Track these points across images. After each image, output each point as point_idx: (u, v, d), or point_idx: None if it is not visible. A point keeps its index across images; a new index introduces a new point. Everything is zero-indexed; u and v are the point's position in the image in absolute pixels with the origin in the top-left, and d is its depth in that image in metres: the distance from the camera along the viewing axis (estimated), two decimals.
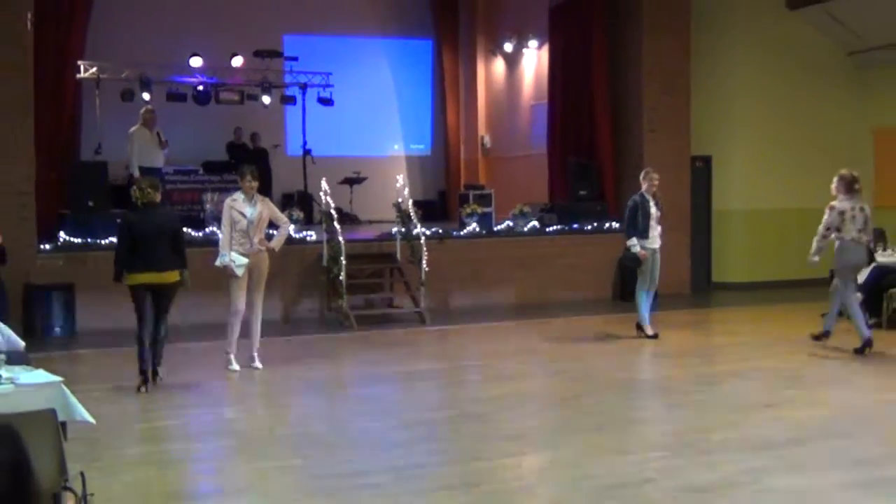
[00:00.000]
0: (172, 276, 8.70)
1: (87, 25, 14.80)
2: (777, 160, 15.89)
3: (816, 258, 10.06)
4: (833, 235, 9.94)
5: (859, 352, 9.81)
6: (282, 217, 9.75)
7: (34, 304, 11.51)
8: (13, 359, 6.06)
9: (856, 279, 10.43)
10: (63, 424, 4.97)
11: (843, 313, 10.18)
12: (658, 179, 10.94)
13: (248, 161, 16.11)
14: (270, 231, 10.02)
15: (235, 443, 6.92)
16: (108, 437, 6.91)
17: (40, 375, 4.98)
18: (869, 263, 10.45)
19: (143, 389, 8.52)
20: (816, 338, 10.34)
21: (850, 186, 9.94)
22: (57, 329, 11.45)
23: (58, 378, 4.94)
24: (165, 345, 8.96)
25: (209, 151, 17.21)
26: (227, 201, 9.43)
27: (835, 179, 10.11)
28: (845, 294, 9.96)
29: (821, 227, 9.99)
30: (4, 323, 6.53)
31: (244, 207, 9.31)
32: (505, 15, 19.25)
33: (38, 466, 4.16)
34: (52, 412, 4.26)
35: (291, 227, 12.96)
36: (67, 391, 4.90)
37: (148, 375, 8.66)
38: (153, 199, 8.69)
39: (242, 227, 9.27)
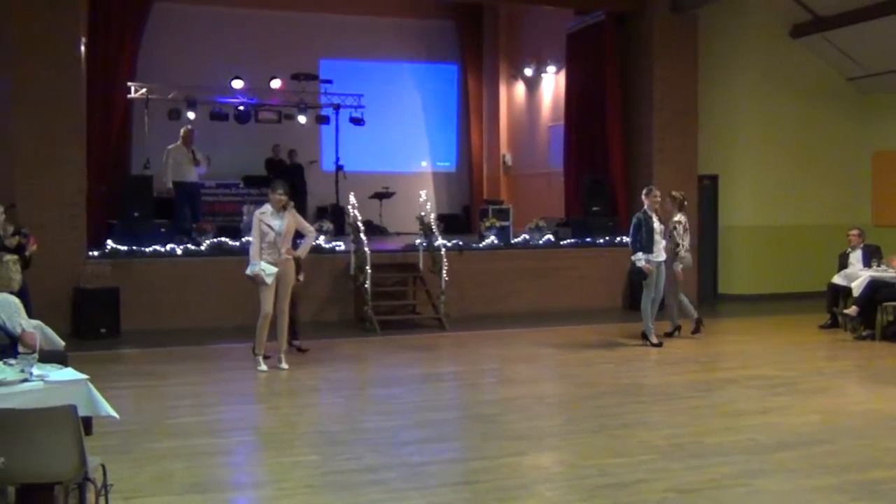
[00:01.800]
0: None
1: (138, 50, 14.99)
2: (780, 180, 15.73)
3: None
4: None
5: (696, 331, 11.30)
6: (308, 227, 9.74)
7: (82, 307, 11.57)
8: (52, 357, 6.10)
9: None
10: (88, 419, 4.97)
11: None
12: (659, 197, 10.88)
13: (284, 176, 16.36)
14: (297, 241, 9.99)
15: (257, 438, 6.91)
16: (141, 432, 6.94)
17: (69, 373, 4.99)
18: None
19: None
20: (669, 334, 11.21)
21: (681, 205, 11.38)
22: (102, 330, 11.50)
23: (84, 376, 4.94)
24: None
25: (249, 166, 17.33)
26: (257, 214, 9.43)
27: (668, 200, 11.24)
28: (678, 291, 11.21)
29: (685, 241, 11.16)
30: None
31: (272, 220, 9.31)
32: (525, 42, 19.23)
33: (59, 459, 4.16)
34: (73, 408, 4.25)
35: (322, 238, 13.13)
36: (93, 388, 4.90)
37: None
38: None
39: (271, 238, 9.28)
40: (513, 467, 6.09)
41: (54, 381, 4.83)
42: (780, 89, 15.61)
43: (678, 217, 11.27)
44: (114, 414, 4.97)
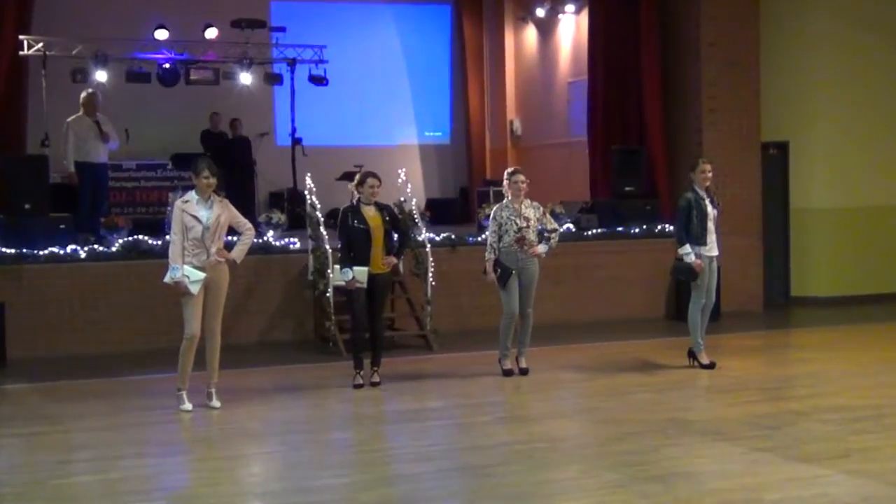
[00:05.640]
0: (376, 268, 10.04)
1: None
2: (867, 148, 15.55)
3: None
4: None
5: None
6: (244, 222, 9.51)
7: None
8: None
9: None
10: None
11: None
12: (711, 171, 10.72)
13: (225, 152, 16.19)
14: (231, 238, 9.77)
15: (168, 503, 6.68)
16: (15, 497, 6.75)
17: None
18: None
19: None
20: (524, 371, 10.65)
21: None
22: None
23: None
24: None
25: (180, 142, 17.20)
26: (178, 203, 9.24)
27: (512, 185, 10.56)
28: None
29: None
30: None
31: (198, 210, 9.11)
32: None
33: None
34: None
35: (270, 233, 12.96)
36: None
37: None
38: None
39: (197, 234, 9.08)
40: None
41: None
42: (867, 32, 15.42)
43: (533, 203, 10.62)
44: None
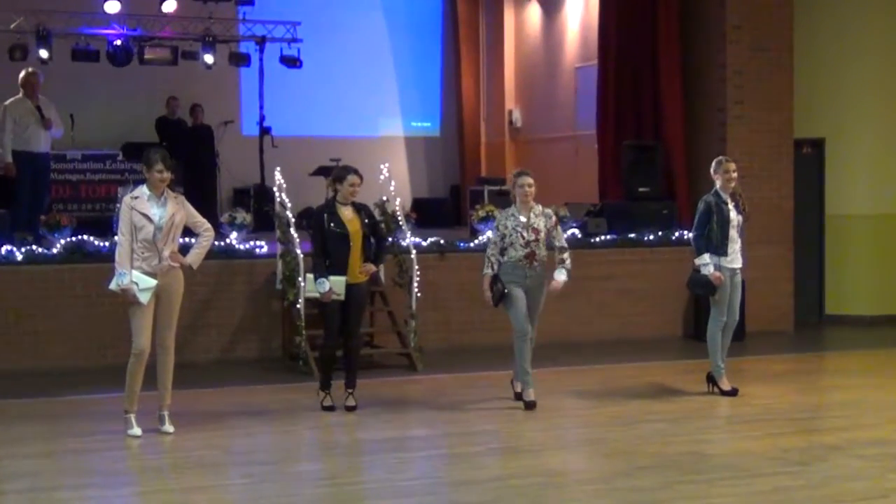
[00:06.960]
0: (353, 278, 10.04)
1: None
2: None
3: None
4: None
5: (520, 398, 10.46)
6: (202, 222, 9.57)
7: None
8: None
9: None
10: None
11: None
12: (736, 171, 10.77)
13: (185, 143, 16.19)
14: (187, 239, 9.78)
15: None
16: None
17: None
18: None
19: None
20: (520, 395, 10.48)
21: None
22: None
23: None
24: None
25: (132, 130, 17.23)
26: (127, 200, 9.28)
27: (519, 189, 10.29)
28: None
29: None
30: None
31: (150, 208, 9.14)
32: None
33: None
34: None
35: (234, 235, 12.97)
36: None
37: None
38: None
39: (147, 234, 9.11)
40: None
41: None
42: None
43: (545, 210, 10.36)
44: None
